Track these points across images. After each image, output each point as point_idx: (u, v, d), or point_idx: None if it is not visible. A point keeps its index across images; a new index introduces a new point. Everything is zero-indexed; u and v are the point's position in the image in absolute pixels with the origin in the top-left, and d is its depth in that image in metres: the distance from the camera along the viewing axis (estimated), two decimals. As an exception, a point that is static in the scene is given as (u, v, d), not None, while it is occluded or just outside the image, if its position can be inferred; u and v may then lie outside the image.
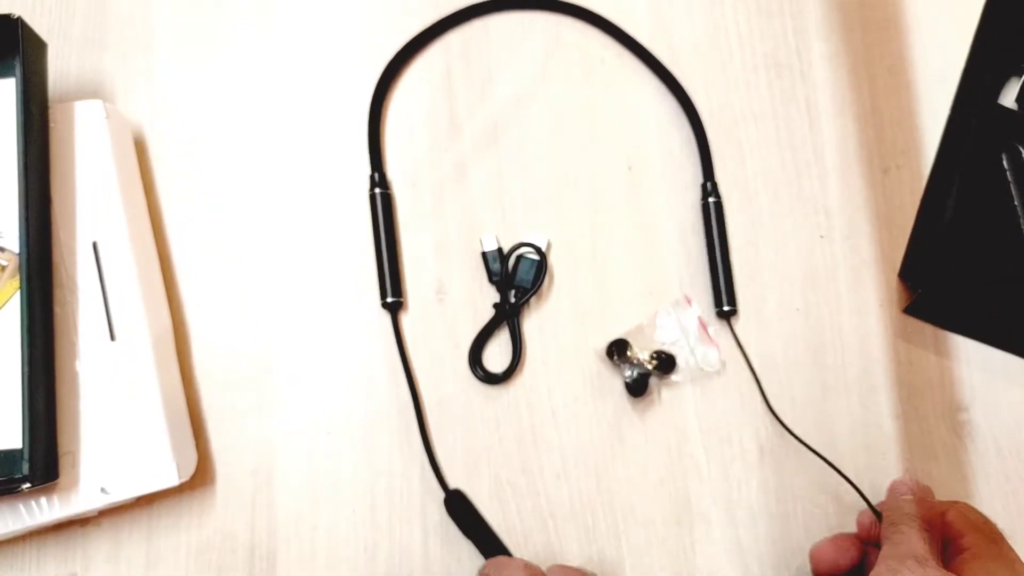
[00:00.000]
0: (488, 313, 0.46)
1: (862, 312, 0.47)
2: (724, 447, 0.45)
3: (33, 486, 0.37)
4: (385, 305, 0.46)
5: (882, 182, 0.49)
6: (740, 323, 0.47)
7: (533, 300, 0.46)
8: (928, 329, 0.47)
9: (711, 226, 0.47)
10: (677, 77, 0.49)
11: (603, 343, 0.46)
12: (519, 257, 0.46)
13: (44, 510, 0.39)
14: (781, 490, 0.45)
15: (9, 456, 0.37)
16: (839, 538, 0.41)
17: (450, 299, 0.46)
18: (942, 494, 0.45)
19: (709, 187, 0.47)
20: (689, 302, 0.45)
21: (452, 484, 0.44)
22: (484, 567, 0.40)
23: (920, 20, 0.51)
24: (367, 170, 0.48)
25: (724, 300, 0.46)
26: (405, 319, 0.46)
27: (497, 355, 0.46)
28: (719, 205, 0.47)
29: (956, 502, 0.41)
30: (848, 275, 0.48)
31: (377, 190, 0.46)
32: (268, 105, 0.49)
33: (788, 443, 0.45)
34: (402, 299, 0.46)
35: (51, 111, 0.43)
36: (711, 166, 0.48)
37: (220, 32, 0.49)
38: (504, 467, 0.44)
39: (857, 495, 0.42)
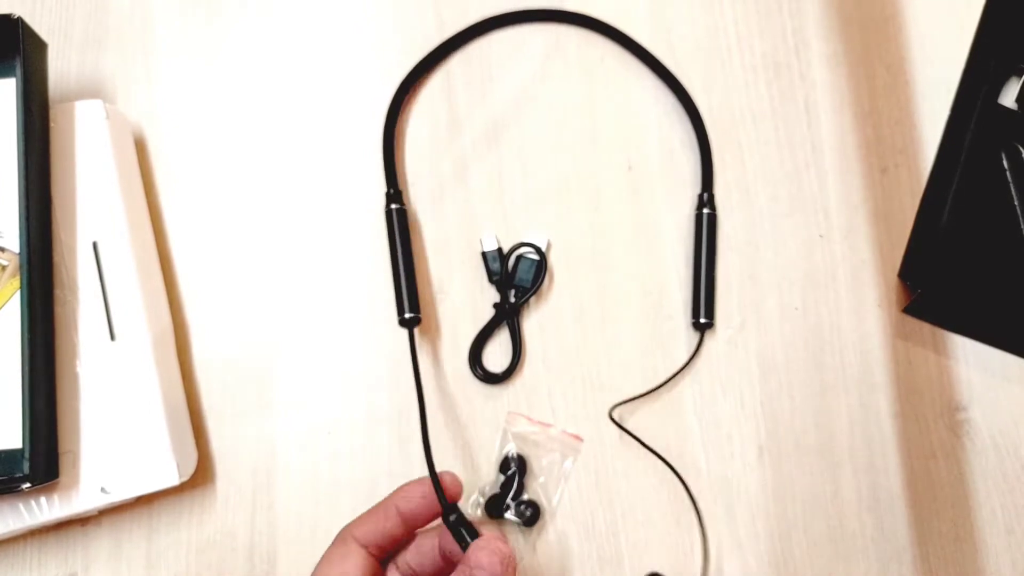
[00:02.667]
0: (488, 313, 0.46)
1: (861, 311, 0.47)
2: (724, 446, 0.45)
3: (33, 485, 0.37)
4: (403, 322, 0.44)
5: (881, 181, 0.49)
6: (740, 323, 0.47)
7: (533, 300, 0.47)
8: (927, 328, 0.47)
9: (700, 237, 0.47)
10: (678, 77, 0.49)
11: (602, 344, 0.46)
12: (519, 257, 0.46)
13: (44, 509, 0.39)
14: (780, 489, 0.45)
15: (9, 455, 0.37)
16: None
17: (450, 299, 0.47)
18: (941, 494, 0.45)
19: (705, 198, 0.47)
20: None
21: (452, 483, 0.44)
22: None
23: (919, 19, 0.51)
24: (369, 170, 0.48)
25: (702, 312, 0.46)
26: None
27: (497, 355, 0.46)
28: (712, 217, 0.47)
29: None
30: (847, 274, 0.48)
31: (393, 206, 0.46)
32: (268, 105, 0.49)
33: (787, 442, 0.45)
34: (420, 315, 0.44)
35: (51, 111, 0.43)
36: (711, 169, 0.48)
37: (220, 32, 0.50)
38: (504, 466, 0.44)
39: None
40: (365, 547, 0.35)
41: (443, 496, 0.35)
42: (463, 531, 0.35)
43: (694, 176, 0.49)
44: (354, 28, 0.50)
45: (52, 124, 0.43)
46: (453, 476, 0.37)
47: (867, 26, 0.51)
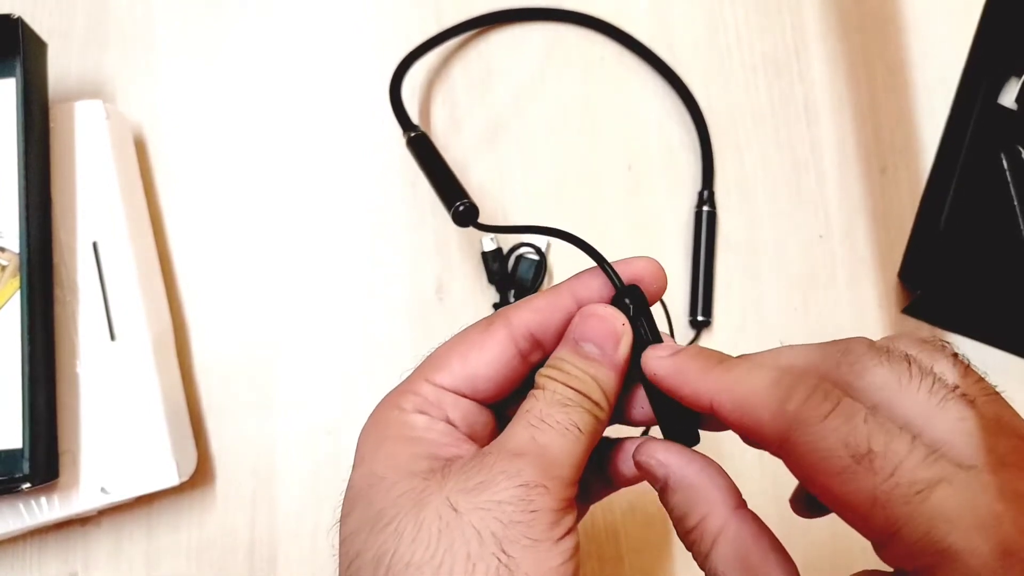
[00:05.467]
0: (488, 313, 0.46)
1: (861, 312, 0.47)
2: (724, 446, 0.45)
3: (33, 485, 0.37)
4: (457, 216, 0.38)
5: (880, 181, 0.49)
6: (739, 323, 0.47)
7: (533, 300, 0.46)
8: (926, 329, 0.47)
9: (700, 235, 0.47)
10: (679, 74, 0.49)
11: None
12: (519, 257, 0.46)
13: (44, 509, 0.39)
14: (781, 489, 0.45)
15: (9, 455, 0.37)
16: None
17: (450, 299, 0.47)
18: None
19: (705, 195, 0.47)
20: None
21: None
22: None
23: (918, 19, 0.51)
24: (368, 169, 0.48)
25: (700, 310, 0.46)
26: (405, 316, 0.46)
27: (497, 355, 0.46)
28: (712, 215, 0.47)
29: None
30: (847, 275, 0.48)
31: (411, 133, 0.44)
32: (268, 105, 0.49)
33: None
34: (473, 204, 0.38)
35: (51, 111, 0.43)
36: (711, 166, 0.48)
37: (220, 32, 0.50)
38: (503, 466, 0.44)
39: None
40: (515, 335, 0.27)
41: (617, 277, 0.27)
42: (643, 324, 0.26)
43: (693, 175, 0.49)
44: (354, 28, 0.50)
45: (52, 124, 0.43)
46: (653, 261, 0.28)
47: (867, 26, 0.51)
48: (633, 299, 0.26)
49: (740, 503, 0.25)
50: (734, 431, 0.24)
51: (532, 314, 0.27)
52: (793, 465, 0.22)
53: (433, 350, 0.28)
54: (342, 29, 0.50)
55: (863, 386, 0.23)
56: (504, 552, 0.22)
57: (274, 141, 0.48)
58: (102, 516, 0.43)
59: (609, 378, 0.26)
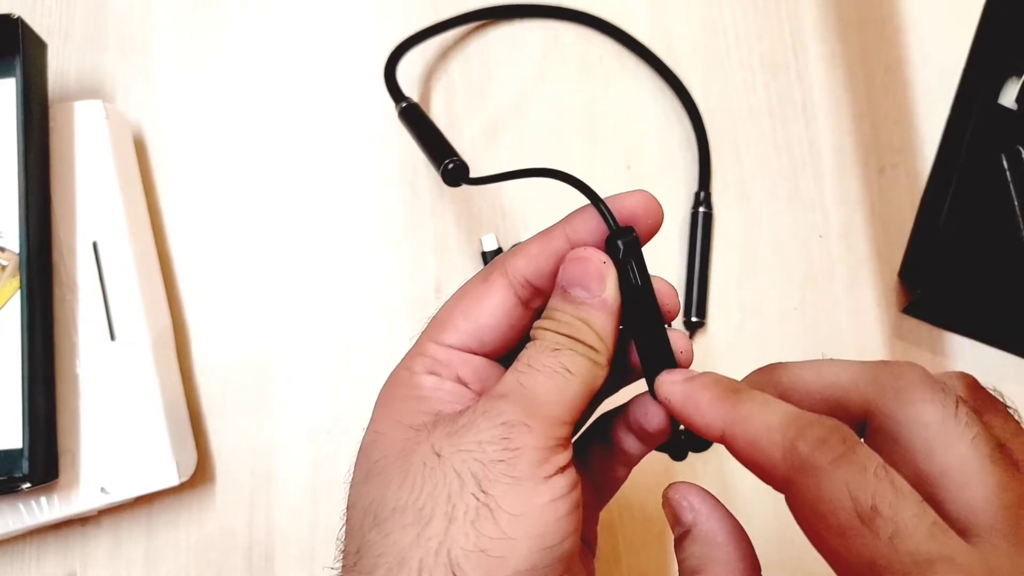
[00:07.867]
0: (487, 313, 0.46)
1: (860, 312, 0.47)
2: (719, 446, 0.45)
3: (33, 485, 0.37)
4: (447, 174, 0.38)
5: (879, 181, 0.49)
6: (738, 323, 0.47)
7: (532, 300, 0.47)
8: (925, 328, 0.47)
9: (695, 236, 0.47)
10: (677, 75, 0.49)
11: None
12: (518, 257, 0.46)
13: (44, 509, 0.39)
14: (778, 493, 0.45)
15: (9, 455, 0.37)
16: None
17: (449, 299, 0.47)
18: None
19: (702, 196, 0.47)
20: None
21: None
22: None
23: (917, 19, 0.51)
24: (368, 166, 0.48)
25: (694, 311, 0.46)
26: (405, 317, 0.46)
27: (496, 355, 0.46)
28: (708, 216, 0.47)
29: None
30: (845, 275, 0.48)
31: (403, 104, 0.43)
32: (268, 105, 0.49)
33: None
34: (463, 161, 0.38)
35: (51, 111, 0.43)
36: (708, 168, 0.48)
37: (220, 31, 0.50)
38: (503, 466, 0.44)
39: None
40: (513, 284, 0.26)
41: (611, 217, 0.26)
42: (633, 267, 0.26)
43: (692, 175, 0.49)
44: (355, 28, 0.50)
45: (52, 124, 0.43)
46: (646, 194, 0.27)
47: (865, 26, 0.51)
48: (624, 240, 0.26)
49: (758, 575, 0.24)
50: (743, 465, 0.23)
51: (526, 261, 0.26)
52: (795, 510, 0.21)
53: (436, 311, 0.28)
54: (342, 29, 0.50)
55: (906, 419, 0.22)
56: (483, 491, 0.22)
57: (274, 141, 0.48)
58: (102, 516, 0.43)
59: (600, 318, 0.25)
